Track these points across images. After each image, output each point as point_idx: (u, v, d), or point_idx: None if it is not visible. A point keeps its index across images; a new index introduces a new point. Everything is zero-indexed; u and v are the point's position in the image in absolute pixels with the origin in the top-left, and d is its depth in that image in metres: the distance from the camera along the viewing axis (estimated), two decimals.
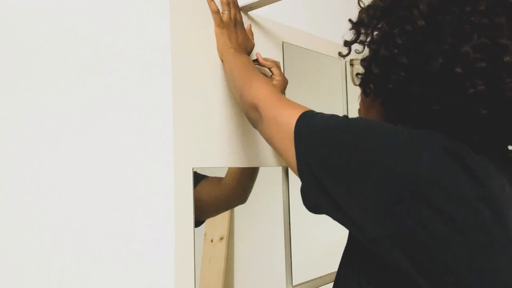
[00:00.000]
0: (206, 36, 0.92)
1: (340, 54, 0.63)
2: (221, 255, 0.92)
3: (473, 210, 0.45)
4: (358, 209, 0.50)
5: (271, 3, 0.97)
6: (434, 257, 0.45)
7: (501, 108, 0.47)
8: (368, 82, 0.59)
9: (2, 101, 0.62)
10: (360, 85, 0.60)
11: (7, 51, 0.63)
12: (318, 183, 0.53)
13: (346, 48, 0.61)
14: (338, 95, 1.32)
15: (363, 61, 0.58)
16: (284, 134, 0.60)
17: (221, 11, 0.93)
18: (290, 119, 0.60)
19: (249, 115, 0.75)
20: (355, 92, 1.42)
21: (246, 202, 0.98)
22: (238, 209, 0.96)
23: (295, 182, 1.10)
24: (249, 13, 1.03)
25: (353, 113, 1.35)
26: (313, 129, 0.56)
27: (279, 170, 1.06)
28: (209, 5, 0.92)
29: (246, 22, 1.01)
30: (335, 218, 0.55)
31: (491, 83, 0.46)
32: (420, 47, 0.50)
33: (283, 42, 1.12)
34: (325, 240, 1.25)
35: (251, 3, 0.98)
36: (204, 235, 0.89)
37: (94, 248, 0.70)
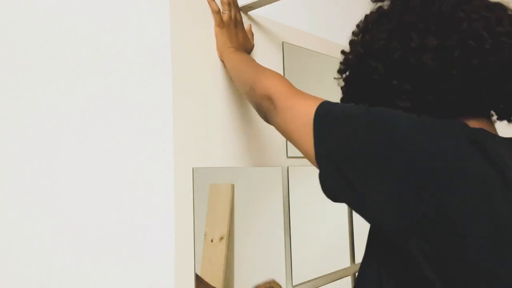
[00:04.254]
0: (206, 36, 0.92)
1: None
2: (221, 255, 0.92)
3: (495, 198, 0.45)
4: (378, 196, 0.50)
5: (271, 3, 0.97)
6: (453, 245, 0.45)
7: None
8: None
9: (2, 101, 0.62)
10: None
11: (7, 51, 0.63)
12: (338, 170, 0.54)
13: None
14: (338, 95, 1.32)
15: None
16: (301, 122, 0.60)
17: (221, 11, 0.93)
18: (308, 107, 0.61)
19: (261, 106, 0.74)
20: None
21: (246, 202, 0.98)
22: (238, 209, 0.96)
23: (295, 182, 1.10)
24: (249, 13, 1.03)
25: None
26: (334, 117, 0.57)
27: (279, 170, 1.06)
28: (210, 4, 0.92)
29: (246, 22, 1.01)
30: (353, 206, 0.55)
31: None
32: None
33: (283, 42, 1.12)
34: (325, 240, 1.25)
35: (251, 3, 0.98)
36: (204, 235, 0.89)
37: (94, 248, 0.70)
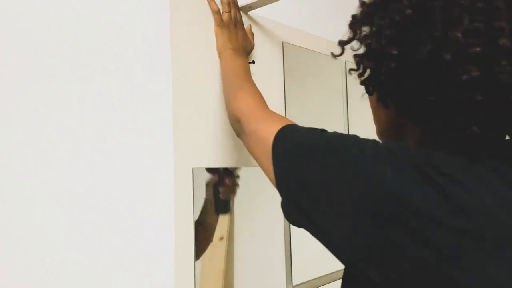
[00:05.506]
0: (206, 36, 0.92)
1: (332, 54, 0.62)
2: (221, 255, 0.92)
3: (442, 225, 0.42)
4: (331, 227, 0.49)
5: (271, 3, 0.97)
6: (407, 276, 0.43)
7: (497, 94, 0.44)
8: (366, 79, 0.57)
9: (2, 101, 0.62)
10: (361, 83, 0.58)
11: (8, 51, 0.63)
12: (295, 201, 0.53)
13: (340, 47, 0.59)
14: (338, 95, 1.32)
15: (356, 57, 0.56)
16: (263, 150, 0.60)
17: (221, 10, 0.93)
18: (268, 134, 0.60)
19: (233, 126, 0.77)
20: (355, 92, 1.42)
21: (246, 202, 0.98)
22: (238, 209, 0.96)
23: None
24: (249, 13, 1.03)
25: (353, 113, 1.35)
26: (288, 148, 0.57)
27: None
28: (209, 4, 0.92)
29: (246, 22, 1.01)
30: (313, 235, 0.54)
31: (486, 68, 0.44)
32: (410, 37, 0.48)
33: (283, 42, 1.12)
34: None
35: (251, 3, 0.98)
36: None
37: (94, 248, 0.70)
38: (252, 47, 0.99)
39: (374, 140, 0.50)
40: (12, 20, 0.63)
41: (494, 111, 0.45)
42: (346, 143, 0.51)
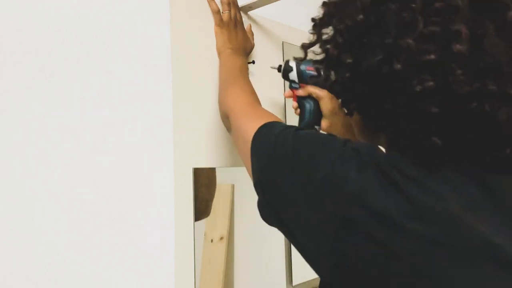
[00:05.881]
0: (206, 36, 0.92)
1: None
2: (221, 255, 0.92)
3: (403, 229, 0.40)
4: (299, 231, 0.49)
5: (271, 3, 0.97)
6: (368, 279, 0.42)
7: (453, 104, 0.41)
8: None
9: (2, 101, 0.62)
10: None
11: (8, 51, 0.63)
12: (268, 200, 0.54)
13: (303, 51, 0.56)
14: None
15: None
16: (244, 147, 0.60)
17: (221, 10, 0.93)
18: (250, 132, 0.60)
19: (223, 122, 0.77)
20: None
21: (246, 202, 0.98)
22: (238, 209, 0.96)
23: None
24: (249, 13, 1.03)
25: None
26: (262, 147, 0.56)
27: None
28: (209, 4, 0.92)
29: (246, 22, 1.01)
30: (284, 235, 0.54)
31: (441, 77, 0.40)
32: (363, 45, 0.45)
33: (283, 42, 1.12)
34: None
35: (251, 3, 0.98)
36: (204, 235, 0.89)
37: (94, 248, 0.70)
38: (252, 47, 0.99)
39: (344, 140, 0.49)
40: (12, 20, 0.63)
41: (451, 121, 0.42)
42: (315, 144, 0.50)
